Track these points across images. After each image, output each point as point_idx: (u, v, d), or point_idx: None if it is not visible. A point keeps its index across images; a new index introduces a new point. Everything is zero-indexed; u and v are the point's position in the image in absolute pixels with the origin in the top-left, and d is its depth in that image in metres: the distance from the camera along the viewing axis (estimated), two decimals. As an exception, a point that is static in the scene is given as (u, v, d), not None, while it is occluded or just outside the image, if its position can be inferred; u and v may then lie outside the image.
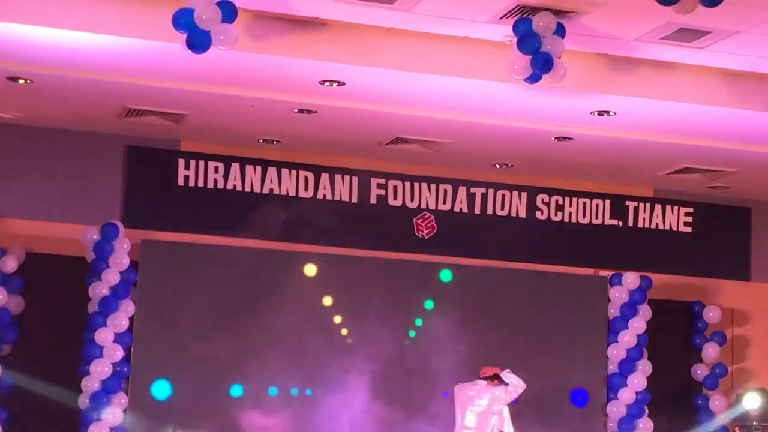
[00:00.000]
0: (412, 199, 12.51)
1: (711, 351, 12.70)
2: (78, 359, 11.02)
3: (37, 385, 10.88)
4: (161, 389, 11.25)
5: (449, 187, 12.61)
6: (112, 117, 10.95)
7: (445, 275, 12.18)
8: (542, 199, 12.84)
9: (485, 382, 10.05)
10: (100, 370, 10.89)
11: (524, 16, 8.44)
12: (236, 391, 11.47)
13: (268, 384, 11.53)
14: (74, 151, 11.54)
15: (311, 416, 11.55)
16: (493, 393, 10.00)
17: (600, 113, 10.17)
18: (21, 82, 9.72)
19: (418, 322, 12.01)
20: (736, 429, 12.48)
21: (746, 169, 11.91)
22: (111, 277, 11.06)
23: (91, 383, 10.90)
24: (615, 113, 10.15)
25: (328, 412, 11.55)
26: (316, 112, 10.41)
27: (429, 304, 12.06)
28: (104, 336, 10.96)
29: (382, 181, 12.45)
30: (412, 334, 11.97)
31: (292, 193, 12.13)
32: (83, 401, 10.92)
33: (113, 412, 10.88)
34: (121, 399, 11.02)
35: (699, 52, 9.20)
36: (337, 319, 11.85)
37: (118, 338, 11.03)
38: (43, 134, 11.40)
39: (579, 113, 10.21)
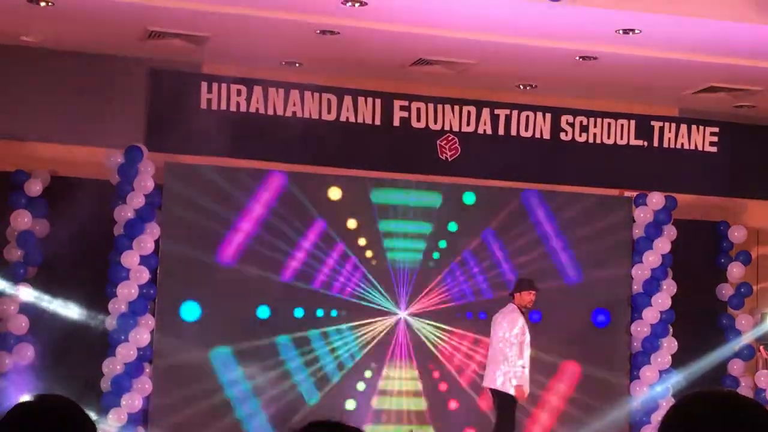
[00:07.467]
0: (435, 121, 12.45)
1: (736, 270, 12.67)
2: (105, 281, 11.12)
3: (65, 307, 10.99)
4: (190, 311, 11.33)
5: (473, 109, 12.54)
6: (134, 40, 10.91)
7: (469, 197, 12.16)
8: (566, 120, 12.76)
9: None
10: (126, 292, 10.99)
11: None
12: (263, 312, 11.55)
13: (294, 305, 11.60)
14: (97, 74, 11.53)
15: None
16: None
17: (625, 31, 10.05)
18: (42, 4, 9.69)
19: (442, 244, 12.02)
20: (761, 348, 12.50)
21: (773, 87, 11.79)
22: (136, 200, 11.11)
23: (118, 305, 11.00)
24: (640, 31, 10.02)
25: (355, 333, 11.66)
26: (338, 33, 10.34)
27: (452, 227, 12.06)
28: (130, 258, 11.03)
29: (405, 103, 12.39)
30: (436, 255, 11.99)
31: (315, 116, 12.10)
32: (110, 323, 11.03)
33: (140, 334, 10.99)
34: (148, 320, 11.13)
35: (726, -33, 9.08)
36: (362, 242, 11.87)
37: (144, 260, 11.11)
38: (66, 57, 11.39)
39: (604, 31, 10.10)
